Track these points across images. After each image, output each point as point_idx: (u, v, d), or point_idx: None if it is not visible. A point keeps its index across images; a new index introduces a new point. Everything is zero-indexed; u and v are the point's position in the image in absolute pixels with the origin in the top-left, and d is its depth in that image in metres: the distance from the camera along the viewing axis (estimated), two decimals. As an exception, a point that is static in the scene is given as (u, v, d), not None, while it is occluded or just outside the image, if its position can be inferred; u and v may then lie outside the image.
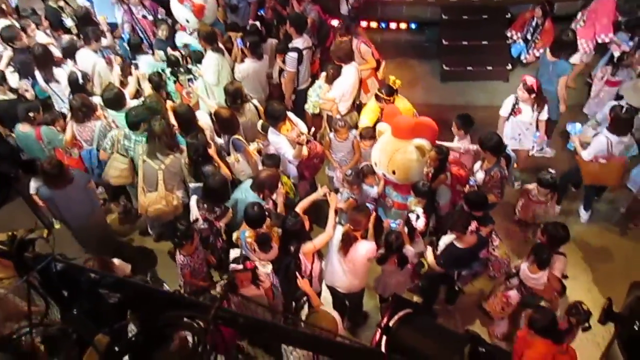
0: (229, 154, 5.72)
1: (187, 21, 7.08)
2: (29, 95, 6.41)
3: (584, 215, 6.56)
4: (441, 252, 4.89)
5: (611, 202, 6.81)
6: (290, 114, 5.95)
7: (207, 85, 6.68)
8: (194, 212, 5.24)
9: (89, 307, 2.33)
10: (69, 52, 6.78)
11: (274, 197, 5.25)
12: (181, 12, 7.07)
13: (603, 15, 7.67)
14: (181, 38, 7.46)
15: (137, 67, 6.73)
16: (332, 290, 5.08)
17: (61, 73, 6.46)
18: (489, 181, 5.40)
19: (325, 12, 8.15)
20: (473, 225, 4.71)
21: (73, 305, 2.35)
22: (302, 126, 5.95)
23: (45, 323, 2.36)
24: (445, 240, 4.91)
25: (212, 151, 5.45)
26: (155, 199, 5.42)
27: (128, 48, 7.42)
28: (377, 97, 6.21)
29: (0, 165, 1.72)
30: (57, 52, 6.89)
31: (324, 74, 6.65)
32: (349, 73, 6.43)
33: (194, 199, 5.27)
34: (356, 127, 6.39)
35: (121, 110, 5.92)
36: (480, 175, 5.50)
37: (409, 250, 4.98)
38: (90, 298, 2.34)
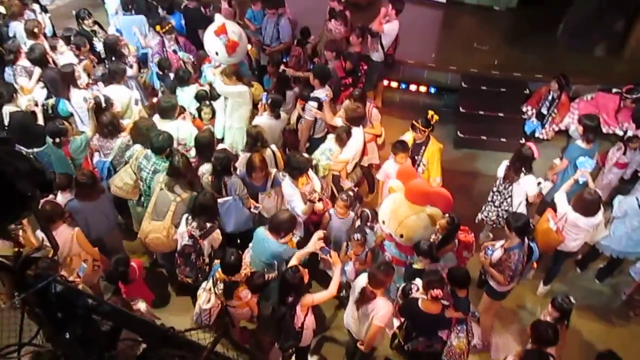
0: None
1: (217, 54, 6.98)
2: (38, 111, 6.42)
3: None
4: (402, 301, 4.92)
5: (613, 287, 6.76)
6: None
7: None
8: (182, 229, 5.24)
9: (81, 332, 2.32)
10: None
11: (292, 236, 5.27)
12: (213, 44, 6.94)
13: (607, 107, 7.98)
14: (206, 74, 7.60)
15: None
16: (348, 331, 5.21)
17: (79, 95, 6.54)
18: (505, 260, 5.23)
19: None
20: (437, 292, 4.53)
21: (66, 329, 2.33)
22: (316, 183, 5.93)
23: (34, 344, 2.34)
24: (414, 294, 4.88)
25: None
26: (158, 228, 5.44)
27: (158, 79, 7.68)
28: (413, 127, 6.37)
29: (19, 182, 1.73)
30: (83, 75, 7.01)
31: (331, 136, 6.52)
32: (359, 133, 6.48)
33: (184, 217, 5.29)
34: (359, 183, 6.61)
35: (170, 120, 6.25)
36: (498, 254, 5.32)
37: None
38: (84, 323, 2.33)
